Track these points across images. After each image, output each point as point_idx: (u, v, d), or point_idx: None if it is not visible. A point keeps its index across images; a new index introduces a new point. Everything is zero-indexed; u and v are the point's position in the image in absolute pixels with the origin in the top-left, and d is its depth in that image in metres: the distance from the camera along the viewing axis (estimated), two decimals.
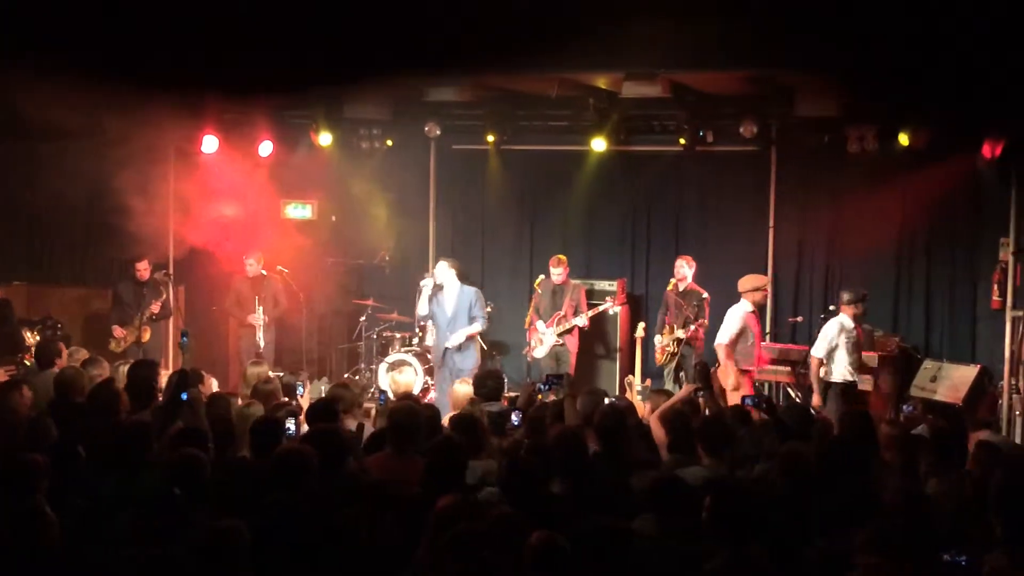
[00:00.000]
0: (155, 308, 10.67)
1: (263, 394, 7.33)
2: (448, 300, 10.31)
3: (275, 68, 9.24)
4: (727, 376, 9.43)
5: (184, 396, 6.58)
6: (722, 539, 4.45)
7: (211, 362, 11.09)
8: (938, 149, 10.38)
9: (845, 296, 9.29)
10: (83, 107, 10.16)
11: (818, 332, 9.35)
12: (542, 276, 11.36)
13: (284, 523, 4.69)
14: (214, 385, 8.15)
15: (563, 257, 11.14)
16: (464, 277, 12.18)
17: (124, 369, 8.13)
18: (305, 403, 7.72)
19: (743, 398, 7.19)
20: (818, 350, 9.16)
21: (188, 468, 5.08)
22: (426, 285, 10.31)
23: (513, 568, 4.11)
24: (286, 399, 7.58)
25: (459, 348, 10.20)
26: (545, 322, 10.94)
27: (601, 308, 11.07)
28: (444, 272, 10.35)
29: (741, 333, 9.51)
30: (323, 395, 7.93)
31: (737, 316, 9.54)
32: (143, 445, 5.58)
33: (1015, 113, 9.17)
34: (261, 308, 11.08)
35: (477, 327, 10.29)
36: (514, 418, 6.70)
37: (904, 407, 7.99)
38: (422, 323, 11.26)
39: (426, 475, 5.19)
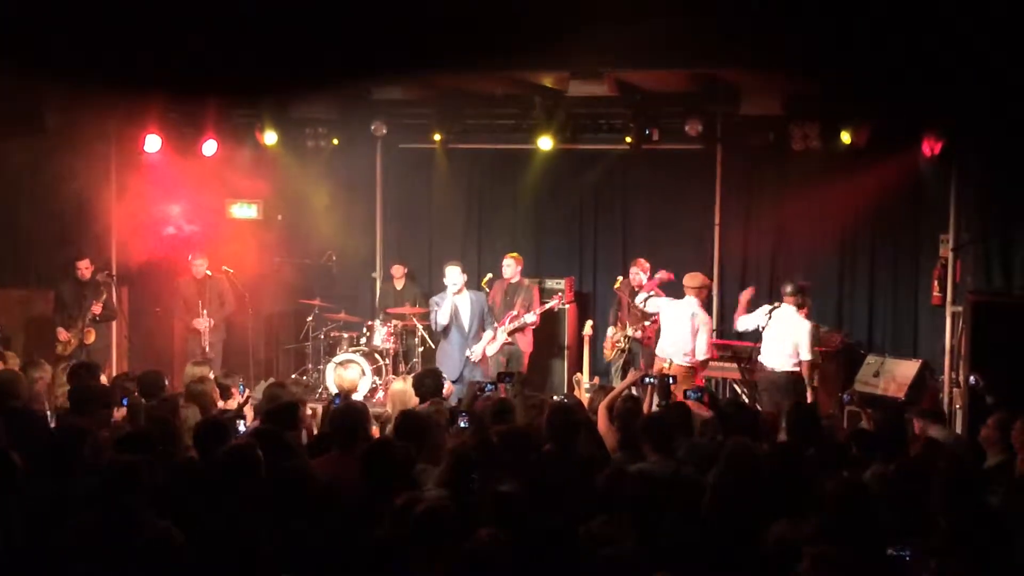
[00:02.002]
0: (96, 309, 10.48)
1: (195, 394, 7.20)
2: (463, 308, 10.42)
3: (220, 66, 9.13)
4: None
5: (125, 401, 6.51)
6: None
7: (156, 364, 10.91)
8: (879, 147, 10.50)
9: (787, 287, 9.44)
10: (23, 103, 9.98)
11: (763, 328, 9.47)
12: (490, 275, 11.35)
13: (229, 525, 4.64)
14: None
15: (518, 256, 11.15)
16: (412, 276, 12.22)
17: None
18: (249, 405, 7.63)
19: (685, 392, 7.14)
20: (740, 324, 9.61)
21: (124, 474, 4.85)
22: (447, 295, 10.37)
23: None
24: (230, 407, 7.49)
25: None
26: (497, 322, 10.92)
27: (548, 306, 11.08)
28: (459, 278, 10.38)
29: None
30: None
31: (701, 320, 9.60)
32: (74, 450, 5.42)
33: (953, 111, 9.31)
34: (205, 311, 10.95)
35: (491, 333, 10.55)
36: (462, 422, 6.59)
37: (843, 396, 8.13)
38: (438, 329, 10.97)
39: (364, 478, 5.15)
